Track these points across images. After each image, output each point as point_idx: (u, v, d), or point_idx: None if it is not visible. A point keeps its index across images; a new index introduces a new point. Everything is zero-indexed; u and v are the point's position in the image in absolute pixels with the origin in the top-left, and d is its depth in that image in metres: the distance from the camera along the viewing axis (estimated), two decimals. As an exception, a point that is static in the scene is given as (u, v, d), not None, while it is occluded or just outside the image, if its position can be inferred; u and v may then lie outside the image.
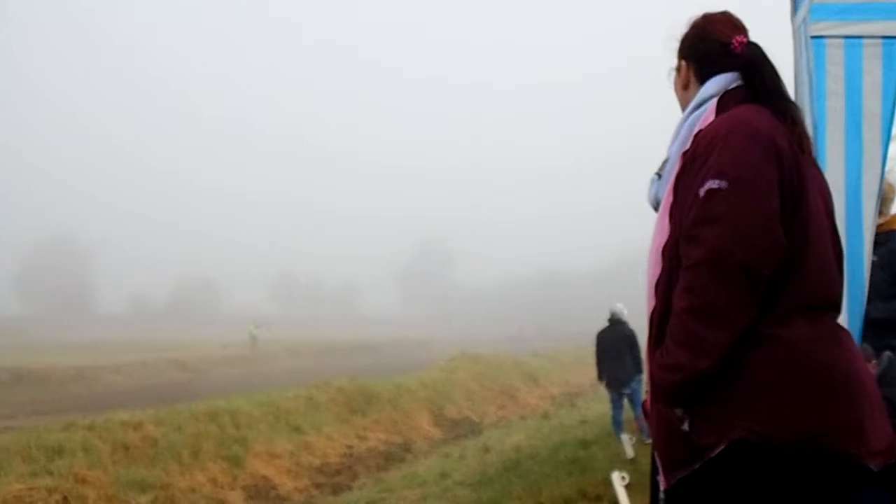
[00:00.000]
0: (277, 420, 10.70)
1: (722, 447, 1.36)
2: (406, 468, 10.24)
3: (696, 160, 1.47)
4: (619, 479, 3.36)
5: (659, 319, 1.49)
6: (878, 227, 2.71)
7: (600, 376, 8.98)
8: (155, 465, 7.99)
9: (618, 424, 8.68)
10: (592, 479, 6.29)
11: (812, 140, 1.70)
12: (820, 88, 2.33)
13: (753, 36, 1.64)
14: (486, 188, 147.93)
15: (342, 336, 45.04)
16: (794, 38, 2.42)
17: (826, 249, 1.49)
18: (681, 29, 1.73)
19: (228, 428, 9.64)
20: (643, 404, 1.68)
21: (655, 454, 1.57)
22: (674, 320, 1.42)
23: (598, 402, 14.10)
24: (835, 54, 2.33)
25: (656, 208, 1.65)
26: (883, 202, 2.80)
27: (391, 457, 11.13)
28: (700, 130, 1.53)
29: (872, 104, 2.31)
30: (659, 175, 1.67)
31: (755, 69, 1.58)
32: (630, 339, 8.65)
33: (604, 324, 9.05)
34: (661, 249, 1.53)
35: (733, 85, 1.61)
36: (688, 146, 1.53)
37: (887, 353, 2.67)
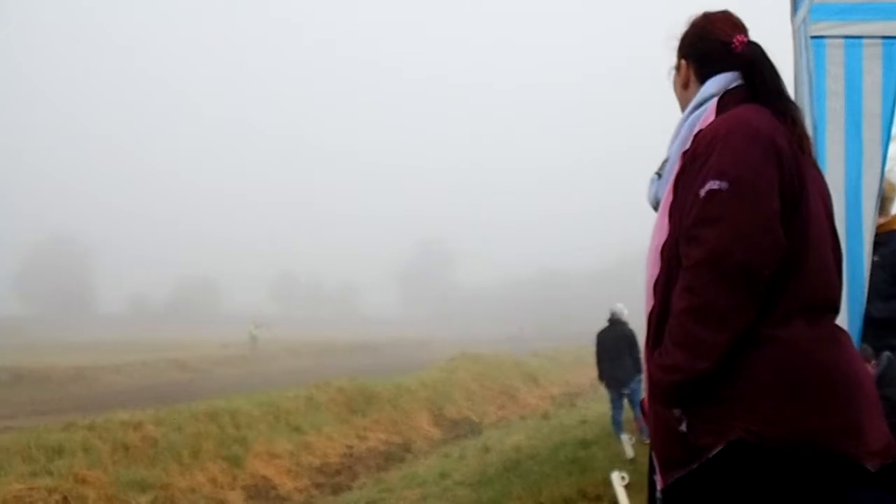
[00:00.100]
0: (277, 420, 10.70)
1: (720, 448, 1.35)
2: (406, 468, 10.24)
3: (696, 160, 1.47)
4: (618, 480, 3.36)
5: (657, 319, 1.49)
6: (880, 227, 2.71)
7: (600, 376, 9.00)
8: (155, 465, 7.99)
9: (618, 424, 8.68)
10: (592, 479, 6.29)
11: (812, 140, 1.70)
12: (820, 88, 2.33)
13: (753, 36, 1.64)
14: (486, 188, 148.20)
15: (342, 336, 45.05)
16: (794, 38, 2.42)
17: (825, 250, 1.49)
18: (681, 28, 1.73)
19: (228, 428, 9.64)
20: (641, 403, 1.68)
21: (653, 453, 1.57)
22: (673, 321, 1.42)
23: (598, 402, 14.10)
24: (835, 54, 2.33)
25: (656, 208, 1.64)
26: (884, 202, 2.80)
27: (391, 457, 11.13)
28: (700, 130, 1.53)
29: (872, 104, 2.31)
30: (659, 174, 1.67)
31: (755, 68, 1.58)
32: (629, 339, 8.65)
33: (604, 324, 9.06)
34: (660, 249, 1.53)
35: (733, 84, 1.61)
36: (688, 146, 1.53)
37: (886, 354, 2.66)
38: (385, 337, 44.86)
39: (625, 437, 7.72)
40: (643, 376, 1.62)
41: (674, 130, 1.68)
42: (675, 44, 1.74)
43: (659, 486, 1.51)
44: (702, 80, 1.66)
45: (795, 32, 2.42)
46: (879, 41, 2.31)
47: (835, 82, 2.33)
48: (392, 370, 17.66)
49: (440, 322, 73.49)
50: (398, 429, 12.66)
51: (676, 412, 1.42)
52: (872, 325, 2.49)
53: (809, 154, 1.55)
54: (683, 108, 1.71)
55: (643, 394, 1.61)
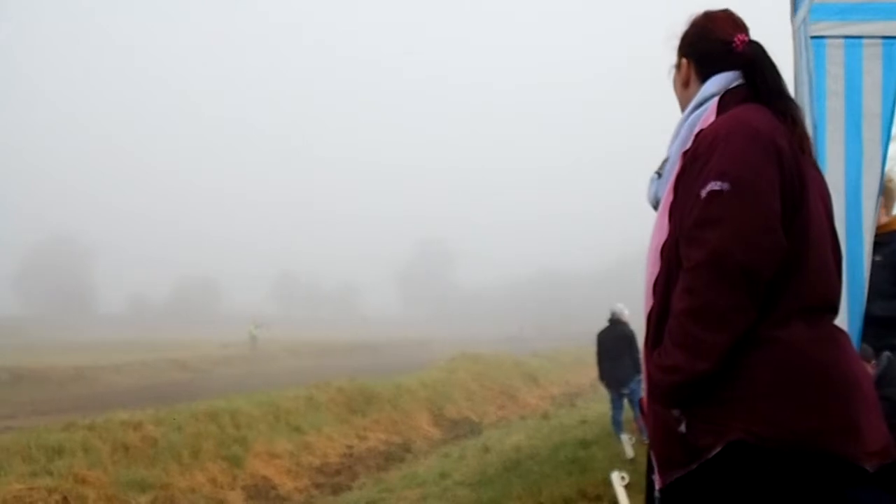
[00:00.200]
0: (277, 420, 10.70)
1: (719, 448, 1.35)
2: (406, 468, 10.24)
3: (697, 161, 1.46)
4: (618, 480, 3.36)
5: (656, 319, 1.49)
6: (882, 227, 2.71)
7: (601, 376, 9.01)
8: (155, 465, 7.99)
9: (618, 424, 8.68)
10: (592, 479, 6.29)
11: (812, 140, 1.70)
12: (820, 88, 2.33)
13: (753, 36, 1.64)
14: (486, 188, 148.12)
15: (342, 336, 45.07)
16: (794, 38, 2.42)
17: (825, 251, 1.49)
18: (681, 27, 1.73)
19: (228, 428, 9.64)
20: (640, 402, 1.68)
21: (651, 453, 1.57)
22: (673, 322, 1.42)
23: (598, 402, 14.10)
24: (835, 54, 2.33)
25: (656, 207, 1.64)
26: (888, 198, 2.80)
27: (391, 457, 11.13)
28: (701, 130, 1.52)
29: (872, 104, 2.31)
30: (659, 174, 1.67)
31: (757, 68, 1.58)
32: (629, 339, 8.66)
33: (604, 324, 9.07)
34: (659, 249, 1.53)
35: (734, 84, 1.60)
36: (688, 146, 1.53)
37: (886, 354, 2.66)
38: (385, 337, 44.85)
39: (625, 437, 7.73)
40: (642, 376, 1.61)
41: (674, 130, 1.67)
42: (676, 42, 1.74)
43: (657, 486, 1.51)
44: (702, 78, 1.66)
45: (795, 32, 2.42)
46: (879, 41, 2.31)
47: (835, 82, 2.32)
48: (392, 370, 17.65)
49: (440, 322, 73.51)
50: (398, 429, 12.66)
51: (675, 413, 1.42)
52: (875, 323, 2.49)
53: (810, 154, 1.55)
54: (683, 106, 1.70)
55: (643, 394, 1.61)
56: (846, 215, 2.29)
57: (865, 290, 2.34)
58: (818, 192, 1.52)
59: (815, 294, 1.44)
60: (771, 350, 1.38)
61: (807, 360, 1.38)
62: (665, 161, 1.66)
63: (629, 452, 7.22)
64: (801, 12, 2.38)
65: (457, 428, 13.96)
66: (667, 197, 1.55)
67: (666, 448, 1.47)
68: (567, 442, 9.56)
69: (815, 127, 2.27)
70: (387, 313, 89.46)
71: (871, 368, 2.59)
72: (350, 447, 11.12)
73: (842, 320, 1.89)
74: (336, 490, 9.14)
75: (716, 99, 1.59)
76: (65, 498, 6.43)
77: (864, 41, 2.31)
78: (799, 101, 2.25)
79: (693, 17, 1.71)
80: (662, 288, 1.48)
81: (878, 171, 2.32)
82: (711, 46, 1.65)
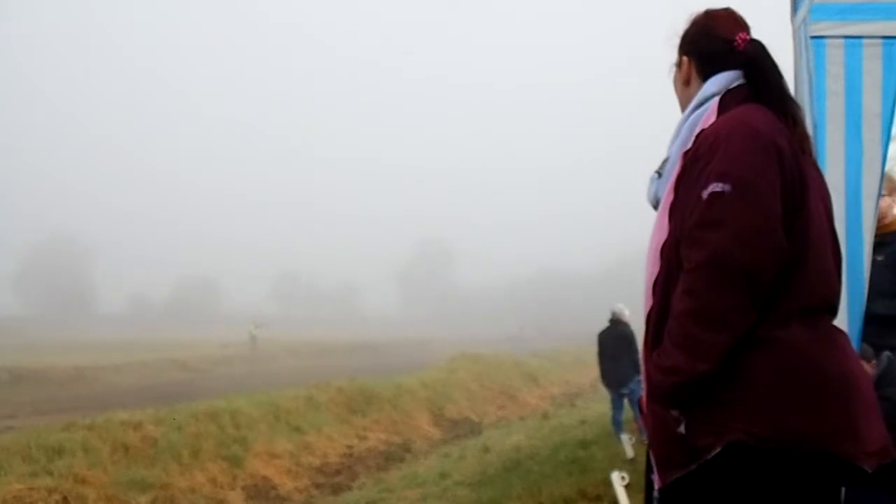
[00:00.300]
0: (277, 420, 10.70)
1: (718, 449, 1.35)
2: (406, 468, 10.25)
3: (697, 161, 1.46)
4: (618, 480, 3.37)
5: (656, 319, 1.49)
6: (884, 227, 2.71)
7: (602, 376, 9.02)
8: (155, 465, 7.99)
9: (618, 424, 8.69)
10: (592, 479, 6.29)
11: (812, 140, 1.70)
12: (820, 88, 2.32)
13: (753, 35, 1.64)
14: (486, 188, 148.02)
15: (342, 336, 45.08)
16: (794, 38, 2.42)
17: (826, 251, 1.49)
18: (682, 25, 1.72)
19: (228, 428, 9.64)
20: (639, 402, 1.67)
21: (651, 453, 1.57)
22: (673, 322, 1.42)
23: (598, 402, 14.10)
24: (835, 54, 2.33)
25: (656, 207, 1.64)
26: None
27: (391, 457, 11.13)
28: (702, 130, 1.52)
29: (872, 104, 2.31)
30: (659, 173, 1.66)
31: (758, 67, 1.57)
32: (629, 339, 8.66)
33: (604, 324, 9.07)
34: (659, 249, 1.52)
35: (735, 83, 1.60)
36: (689, 146, 1.52)
37: (886, 353, 2.67)
38: (385, 337, 44.86)
39: (625, 437, 7.73)
40: (642, 377, 1.61)
41: (674, 130, 1.67)
42: (677, 41, 1.73)
43: (657, 486, 1.51)
44: (703, 77, 1.65)
45: (795, 32, 2.41)
46: (879, 41, 2.31)
47: (835, 82, 2.32)
48: (392, 370, 17.65)
49: (440, 322, 73.50)
50: (398, 429, 12.66)
51: (675, 413, 1.42)
52: (876, 322, 2.49)
53: (810, 154, 1.55)
54: (683, 105, 1.70)
55: (642, 394, 1.61)
56: (846, 215, 2.29)
57: (865, 291, 2.34)
58: (818, 192, 1.52)
59: (815, 294, 1.44)
60: (770, 351, 1.38)
61: (806, 361, 1.38)
62: (665, 161, 1.66)
63: (629, 452, 7.22)
64: (801, 12, 2.37)
65: (457, 428, 13.96)
66: (667, 197, 1.54)
67: (665, 448, 1.46)
68: (567, 442, 9.57)
69: (815, 127, 2.27)
70: (387, 313, 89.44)
71: (871, 368, 2.59)
72: (350, 447, 11.12)
73: (842, 320, 1.89)
74: (336, 490, 9.14)
75: (716, 99, 1.59)
76: (65, 498, 6.44)
77: (864, 41, 2.31)
78: (799, 101, 2.25)
79: (694, 15, 1.71)
80: (662, 288, 1.48)
81: (878, 171, 2.32)
82: (713, 44, 1.65)
